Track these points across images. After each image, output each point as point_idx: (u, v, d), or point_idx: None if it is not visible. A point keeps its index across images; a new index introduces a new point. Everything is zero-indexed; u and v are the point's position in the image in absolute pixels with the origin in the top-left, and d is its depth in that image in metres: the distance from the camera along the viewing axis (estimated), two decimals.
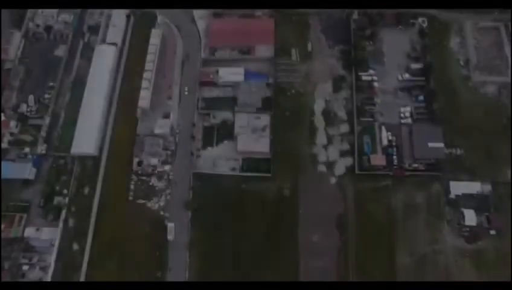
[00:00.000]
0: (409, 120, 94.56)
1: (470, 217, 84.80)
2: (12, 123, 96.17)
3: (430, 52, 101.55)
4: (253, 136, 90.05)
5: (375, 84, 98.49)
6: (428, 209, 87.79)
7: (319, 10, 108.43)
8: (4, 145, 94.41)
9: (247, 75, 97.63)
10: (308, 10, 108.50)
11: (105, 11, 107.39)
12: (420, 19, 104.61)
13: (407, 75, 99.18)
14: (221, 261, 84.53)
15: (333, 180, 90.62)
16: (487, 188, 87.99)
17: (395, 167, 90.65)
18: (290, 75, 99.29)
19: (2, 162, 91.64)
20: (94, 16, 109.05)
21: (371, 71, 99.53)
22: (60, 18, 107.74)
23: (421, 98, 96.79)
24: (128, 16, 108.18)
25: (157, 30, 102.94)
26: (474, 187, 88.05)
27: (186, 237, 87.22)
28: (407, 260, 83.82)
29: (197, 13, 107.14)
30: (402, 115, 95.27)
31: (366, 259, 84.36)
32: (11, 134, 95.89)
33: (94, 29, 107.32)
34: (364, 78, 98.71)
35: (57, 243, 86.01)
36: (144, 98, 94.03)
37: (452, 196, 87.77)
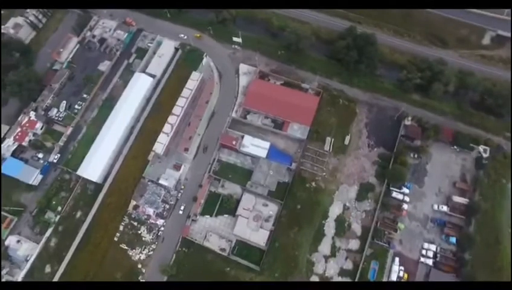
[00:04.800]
0: (430, 261, 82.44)
1: None
2: (38, 125, 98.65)
3: (482, 188, 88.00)
4: (253, 224, 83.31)
5: (405, 205, 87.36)
6: None
7: (372, 101, 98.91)
8: (25, 143, 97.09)
9: (271, 151, 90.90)
10: (360, 97, 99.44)
11: (157, 37, 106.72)
12: (482, 147, 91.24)
13: (444, 207, 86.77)
14: None
15: None
16: None
17: None
18: (316, 165, 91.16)
19: (15, 159, 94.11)
20: (146, 39, 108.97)
21: (405, 189, 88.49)
22: (115, 34, 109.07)
23: (453, 239, 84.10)
24: (177, 49, 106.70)
25: (197, 73, 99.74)
26: None
27: None
28: None
29: (243, 68, 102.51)
30: (424, 252, 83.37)
31: None
32: (34, 134, 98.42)
33: (141, 52, 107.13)
34: (395, 195, 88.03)
35: (31, 260, 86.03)
36: (160, 143, 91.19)
37: None
